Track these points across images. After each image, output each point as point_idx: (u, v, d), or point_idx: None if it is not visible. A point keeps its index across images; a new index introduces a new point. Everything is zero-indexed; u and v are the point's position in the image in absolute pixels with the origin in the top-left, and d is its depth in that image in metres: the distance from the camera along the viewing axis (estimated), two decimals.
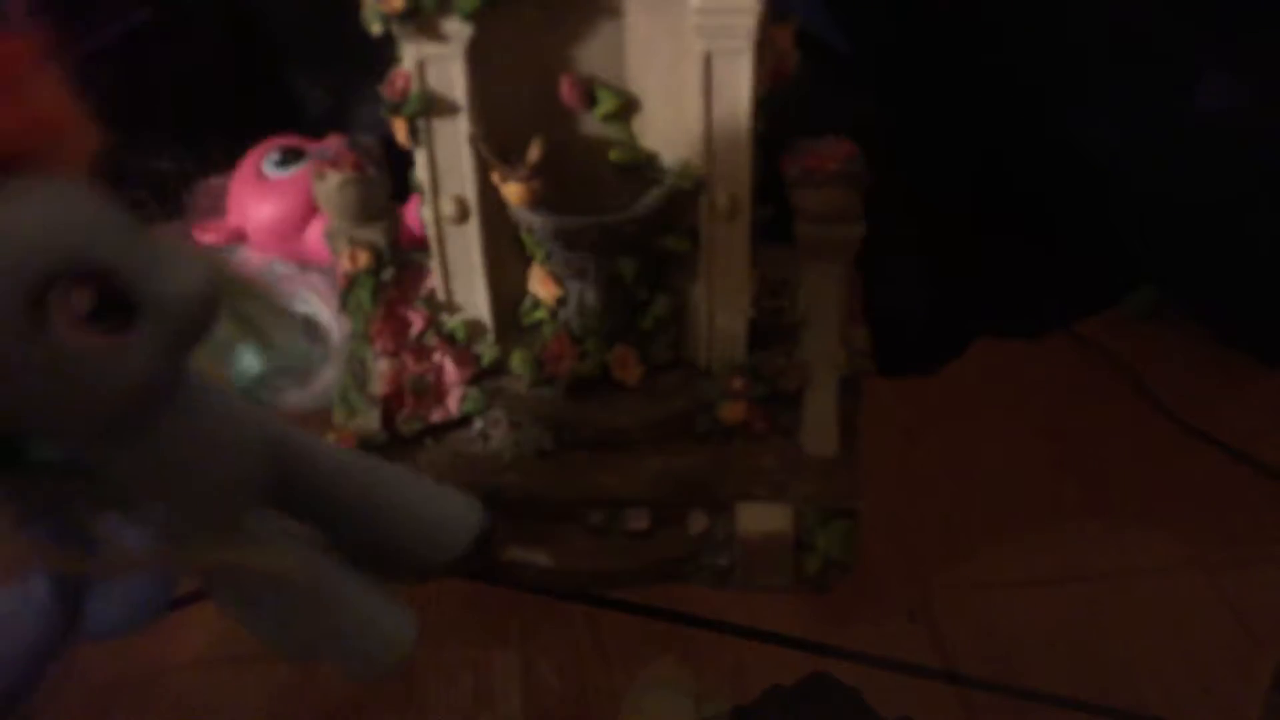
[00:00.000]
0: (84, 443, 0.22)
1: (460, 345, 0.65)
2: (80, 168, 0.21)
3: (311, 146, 0.76)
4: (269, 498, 0.26)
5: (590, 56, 0.59)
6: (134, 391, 0.21)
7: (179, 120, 0.79)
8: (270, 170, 0.76)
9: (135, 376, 0.21)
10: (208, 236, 0.75)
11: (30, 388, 0.20)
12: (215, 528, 0.24)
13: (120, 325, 0.20)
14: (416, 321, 0.65)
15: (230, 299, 0.24)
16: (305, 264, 0.75)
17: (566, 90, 0.59)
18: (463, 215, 0.61)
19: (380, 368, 0.65)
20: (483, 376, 0.65)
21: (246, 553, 0.25)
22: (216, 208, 0.77)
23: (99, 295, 0.20)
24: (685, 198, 0.60)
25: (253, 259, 0.75)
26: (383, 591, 0.29)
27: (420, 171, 0.61)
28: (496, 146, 0.58)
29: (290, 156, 0.76)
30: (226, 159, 0.78)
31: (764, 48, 0.56)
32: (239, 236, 0.76)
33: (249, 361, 0.69)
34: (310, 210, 0.75)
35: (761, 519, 0.60)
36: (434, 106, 0.58)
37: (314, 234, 0.75)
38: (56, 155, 0.20)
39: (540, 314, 0.65)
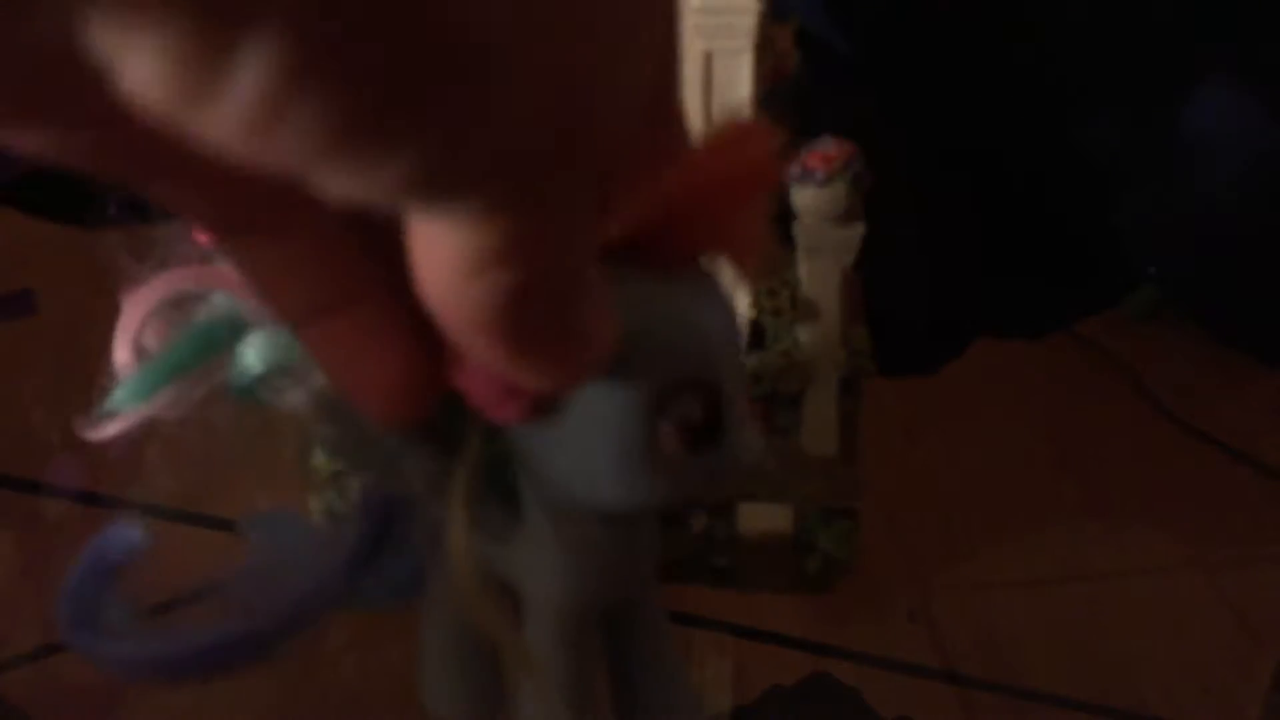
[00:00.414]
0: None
1: None
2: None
3: None
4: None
5: None
6: (671, 498, 0.22)
7: None
8: None
9: (686, 490, 0.22)
10: (207, 236, 0.75)
11: (620, 464, 0.21)
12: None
13: (701, 446, 0.21)
14: None
15: None
16: None
17: None
18: None
19: None
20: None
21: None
22: None
23: (703, 414, 0.21)
24: None
25: None
26: None
27: None
28: None
29: None
30: None
31: (763, 47, 0.56)
32: None
33: (250, 361, 0.69)
34: None
35: (762, 519, 0.60)
36: None
37: None
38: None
39: None
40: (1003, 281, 0.76)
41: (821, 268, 0.60)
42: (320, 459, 0.60)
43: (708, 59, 0.55)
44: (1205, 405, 0.72)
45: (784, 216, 0.59)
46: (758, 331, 0.64)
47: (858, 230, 0.58)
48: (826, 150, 0.57)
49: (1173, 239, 0.72)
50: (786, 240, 0.59)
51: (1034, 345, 0.77)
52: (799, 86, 0.61)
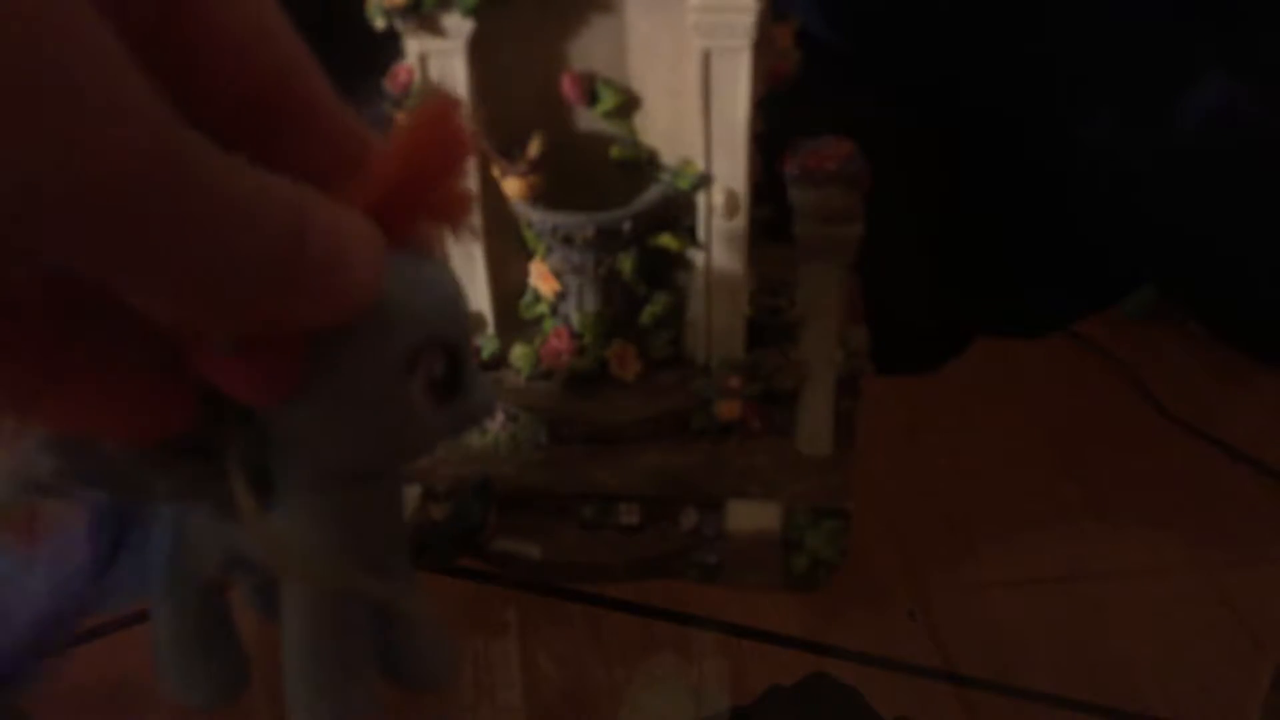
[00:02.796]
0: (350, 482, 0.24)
1: None
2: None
3: None
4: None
5: (591, 53, 0.59)
6: (419, 451, 0.24)
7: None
8: None
9: (429, 441, 0.24)
10: None
11: (376, 423, 0.22)
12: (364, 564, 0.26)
13: (443, 399, 0.23)
14: None
15: None
16: None
17: (568, 86, 0.59)
18: None
19: None
20: (482, 369, 0.65)
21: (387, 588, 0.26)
22: None
23: (445, 371, 0.23)
24: (684, 196, 0.60)
25: None
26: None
27: None
28: (497, 141, 0.58)
29: None
30: None
31: (763, 46, 0.56)
32: None
33: None
34: None
35: (750, 517, 0.60)
36: None
37: None
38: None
39: (541, 309, 0.65)
40: (1002, 281, 0.76)
41: (820, 267, 0.60)
42: None
43: (707, 57, 0.55)
44: (1205, 405, 0.72)
45: (783, 216, 0.59)
46: (756, 330, 0.64)
47: (856, 230, 0.58)
48: (826, 149, 0.57)
49: (1172, 237, 0.72)
50: (786, 239, 0.59)
51: (1033, 345, 0.77)
52: (799, 85, 0.61)
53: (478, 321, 0.65)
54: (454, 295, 0.23)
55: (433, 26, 0.56)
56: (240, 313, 0.17)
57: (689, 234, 0.61)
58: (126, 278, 0.16)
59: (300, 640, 0.26)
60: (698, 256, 0.62)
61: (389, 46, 0.59)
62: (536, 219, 0.59)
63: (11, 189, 0.14)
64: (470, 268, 0.64)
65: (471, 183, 0.22)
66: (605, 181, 0.60)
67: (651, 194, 0.59)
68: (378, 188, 0.20)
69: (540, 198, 0.59)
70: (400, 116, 0.21)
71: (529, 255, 0.64)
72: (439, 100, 0.21)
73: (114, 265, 0.15)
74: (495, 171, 0.58)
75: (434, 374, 0.23)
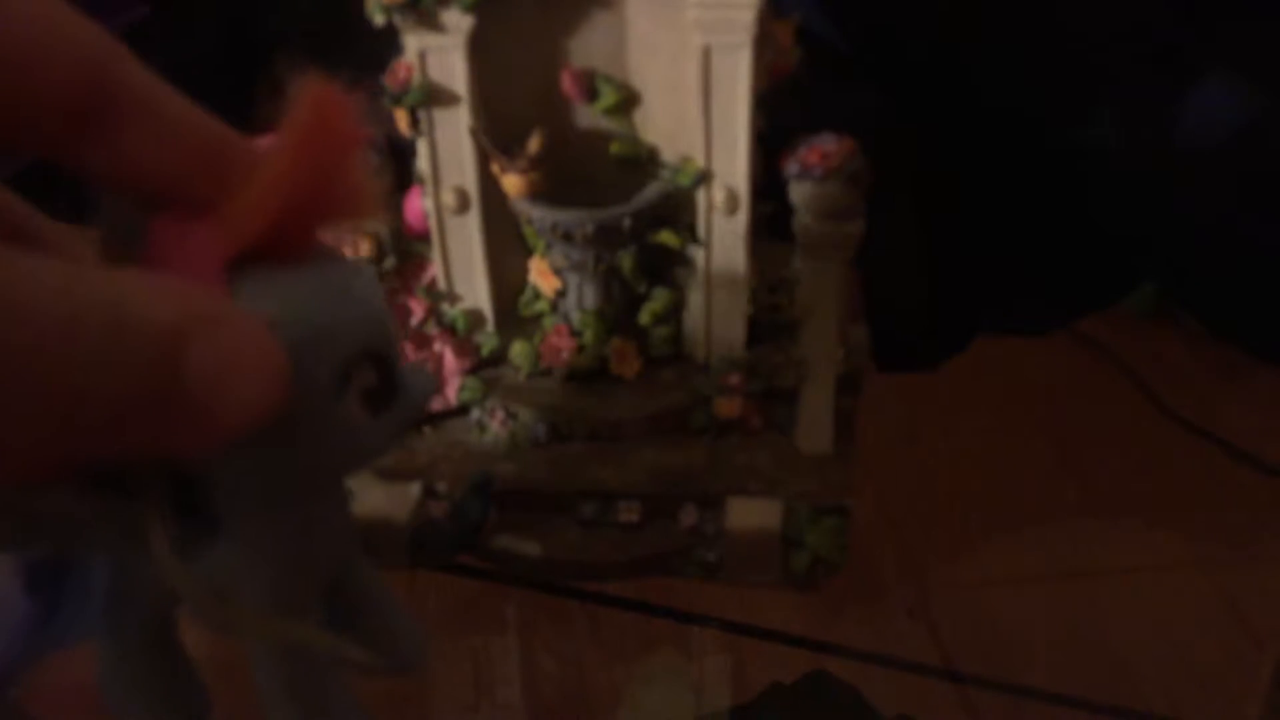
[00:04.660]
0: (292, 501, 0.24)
1: (460, 335, 0.65)
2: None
3: None
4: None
5: (591, 49, 0.59)
6: (364, 463, 0.24)
7: None
8: None
9: (371, 454, 0.23)
10: None
11: (316, 450, 0.22)
12: (292, 603, 0.25)
13: (380, 408, 0.22)
14: (417, 311, 0.65)
15: None
16: None
17: (568, 83, 0.59)
18: (463, 206, 0.61)
19: None
20: (481, 366, 0.65)
21: (312, 633, 0.26)
22: None
23: (377, 381, 0.22)
24: (684, 193, 0.59)
25: None
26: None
27: (421, 162, 0.61)
28: (497, 138, 0.58)
29: None
30: None
31: (763, 43, 0.56)
32: None
33: None
34: None
35: (750, 514, 0.60)
36: (435, 97, 0.58)
37: None
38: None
39: (540, 305, 0.65)
40: (1002, 278, 0.76)
41: (820, 264, 0.60)
42: None
43: (706, 54, 0.55)
44: (1206, 403, 0.72)
45: (783, 213, 0.59)
46: (756, 327, 0.64)
47: (857, 227, 0.58)
48: (826, 146, 0.57)
49: (1174, 236, 0.71)
50: (786, 236, 0.59)
51: (1034, 342, 0.77)
52: (799, 82, 0.61)
53: (477, 319, 0.65)
54: (375, 302, 0.22)
55: (432, 23, 0.56)
56: (108, 445, 0.15)
57: (689, 231, 0.61)
58: None
59: (276, 681, 0.25)
60: (698, 254, 0.62)
61: (388, 43, 0.59)
62: (536, 216, 0.59)
63: None
64: (469, 265, 0.64)
65: (366, 173, 0.21)
66: (605, 178, 0.60)
67: (651, 191, 0.59)
68: (273, 196, 0.19)
69: (540, 195, 0.59)
70: (284, 116, 0.20)
71: (528, 252, 0.64)
72: (317, 90, 0.20)
73: None
74: (495, 168, 0.58)
75: (367, 385, 0.22)
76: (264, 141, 0.20)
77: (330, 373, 0.21)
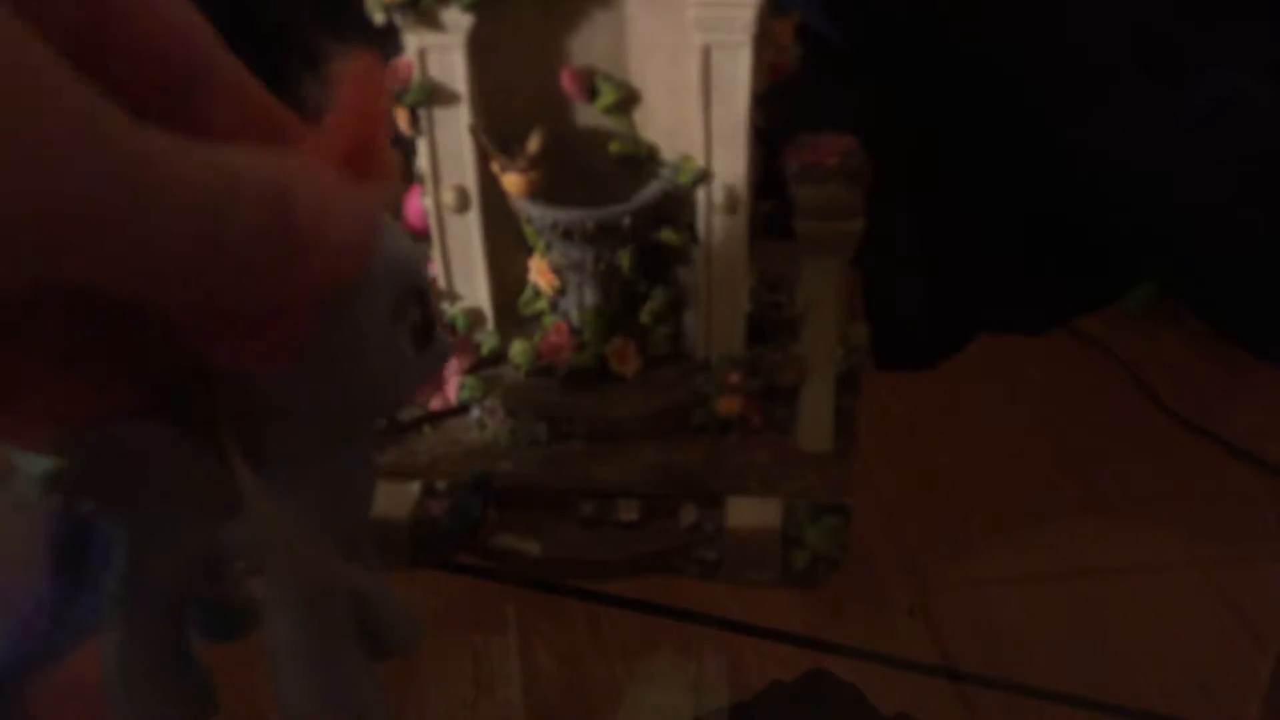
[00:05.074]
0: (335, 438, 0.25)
1: (460, 334, 0.65)
2: None
3: None
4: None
5: (591, 48, 0.59)
6: (404, 400, 0.25)
7: None
8: None
9: (412, 390, 0.25)
10: None
11: (369, 385, 0.23)
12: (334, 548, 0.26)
13: (422, 346, 0.24)
14: None
15: None
16: None
17: (568, 82, 0.59)
18: (463, 205, 0.61)
19: None
20: (481, 365, 0.65)
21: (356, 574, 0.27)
22: None
23: (422, 318, 0.24)
24: (684, 191, 0.59)
25: None
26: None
27: (421, 160, 0.61)
28: (497, 137, 0.58)
29: None
30: None
31: (763, 42, 0.56)
32: None
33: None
34: None
35: (750, 513, 0.60)
36: (435, 96, 0.58)
37: None
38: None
39: (540, 304, 0.65)
40: (1002, 277, 0.76)
41: (821, 263, 0.59)
42: None
43: (707, 53, 0.55)
44: (1205, 401, 0.72)
45: (784, 211, 0.59)
46: (756, 326, 0.64)
47: (857, 225, 0.58)
48: (826, 145, 0.57)
49: (1173, 234, 0.71)
50: (786, 235, 0.59)
51: (1034, 341, 0.77)
52: (799, 81, 0.61)
53: (477, 317, 0.65)
54: (409, 242, 0.24)
55: (432, 22, 0.56)
56: (236, 292, 0.17)
57: (689, 230, 0.61)
58: (116, 282, 0.16)
59: (293, 639, 0.26)
60: (698, 252, 0.62)
61: (388, 42, 0.58)
62: (536, 215, 0.59)
63: None
64: (469, 264, 0.64)
65: (390, 138, 0.23)
66: (605, 177, 0.60)
67: (651, 189, 0.59)
68: (331, 155, 0.20)
69: (540, 193, 0.59)
70: (336, 83, 0.22)
71: (528, 251, 0.64)
72: (361, 61, 0.22)
73: (101, 273, 0.16)
74: (495, 167, 0.58)
75: (414, 320, 0.23)
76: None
77: (390, 301, 0.22)
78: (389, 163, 0.22)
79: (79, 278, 0.16)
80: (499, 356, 0.65)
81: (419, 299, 0.23)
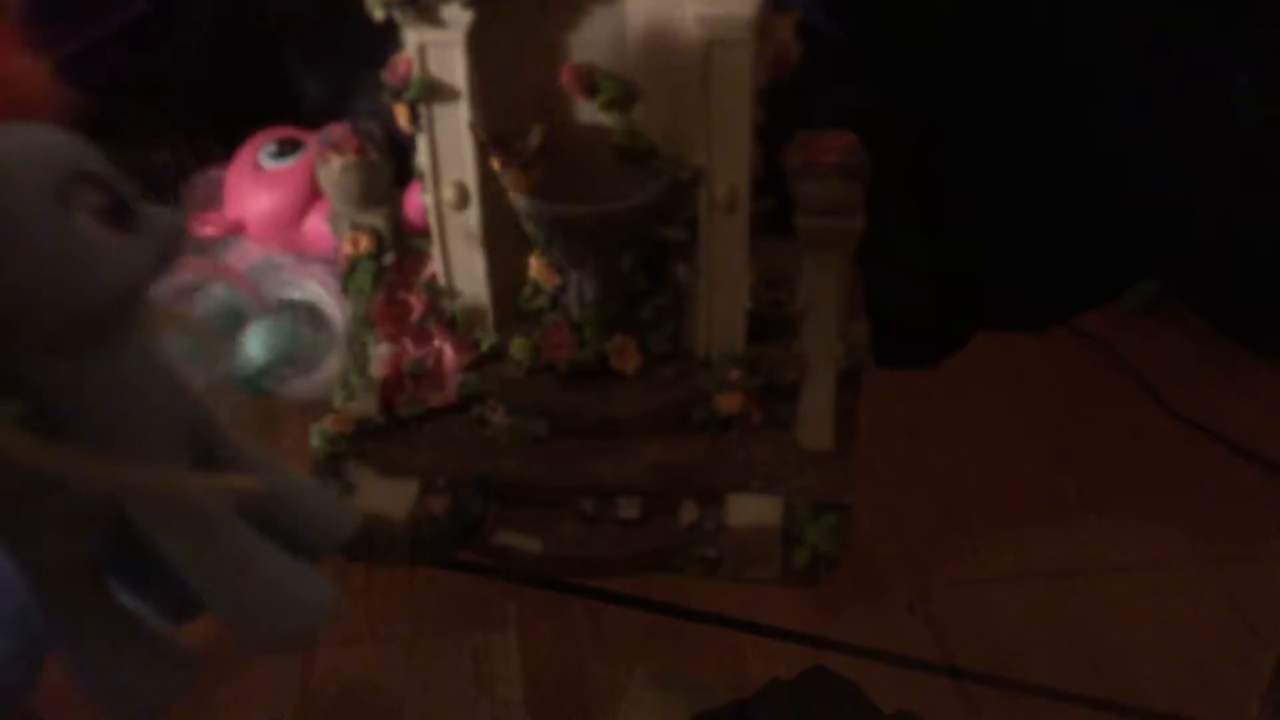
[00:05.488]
0: (65, 347, 0.25)
1: (460, 331, 0.65)
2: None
3: (308, 137, 0.76)
4: (188, 463, 0.27)
5: (591, 44, 0.58)
6: (129, 287, 0.25)
7: (176, 112, 0.79)
8: (266, 162, 0.76)
9: (133, 273, 0.24)
10: (206, 228, 0.75)
11: (53, 272, 0.23)
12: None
13: (121, 227, 0.24)
14: (417, 306, 0.65)
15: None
16: (303, 255, 0.75)
17: (568, 78, 0.59)
18: (463, 201, 0.61)
19: (380, 351, 0.65)
20: (482, 362, 0.65)
21: (179, 478, 0.26)
22: (214, 199, 0.77)
23: (107, 201, 0.24)
24: (684, 188, 0.59)
25: (251, 250, 0.75)
26: (303, 561, 0.30)
27: (421, 157, 0.61)
28: (496, 133, 0.58)
29: (287, 148, 0.76)
30: (223, 151, 0.78)
31: (764, 38, 0.56)
32: (237, 228, 0.76)
33: (254, 351, 0.69)
34: (307, 201, 0.75)
35: (751, 511, 0.60)
36: (435, 92, 0.58)
37: (312, 225, 0.74)
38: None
39: (541, 301, 0.65)
40: (1003, 275, 0.76)
41: (821, 260, 0.59)
42: None
43: (707, 49, 0.55)
44: (1206, 400, 0.72)
45: (784, 209, 0.59)
46: (757, 323, 0.64)
47: (857, 223, 0.58)
48: (827, 142, 0.57)
49: (1174, 231, 0.71)
50: (787, 232, 0.59)
51: (1034, 339, 0.77)
52: (800, 78, 0.61)
53: (477, 314, 0.65)
54: (69, 135, 0.24)
55: (432, 18, 0.56)
56: None
57: (689, 227, 0.61)
58: None
59: (184, 558, 0.26)
60: (698, 250, 0.61)
61: (388, 38, 0.58)
62: (536, 211, 0.59)
63: None
64: (470, 260, 0.64)
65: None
66: (605, 174, 0.60)
67: (652, 187, 0.59)
68: None
69: (540, 190, 0.58)
70: None
71: (529, 248, 0.64)
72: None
73: None
74: (495, 164, 0.58)
75: (95, 204, 0.23)
76: None
77: (49, 190, 0.22)
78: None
79: None
80: (499, 353, 0.65)
81: (92, 182, 0.23)
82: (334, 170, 0.62)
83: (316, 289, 0.71)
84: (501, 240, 0.63)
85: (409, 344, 0.65)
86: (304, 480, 0.30)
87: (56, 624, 0.29)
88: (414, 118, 0.59)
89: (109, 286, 0.24)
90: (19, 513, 0.26)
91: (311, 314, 0.72)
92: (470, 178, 0.61)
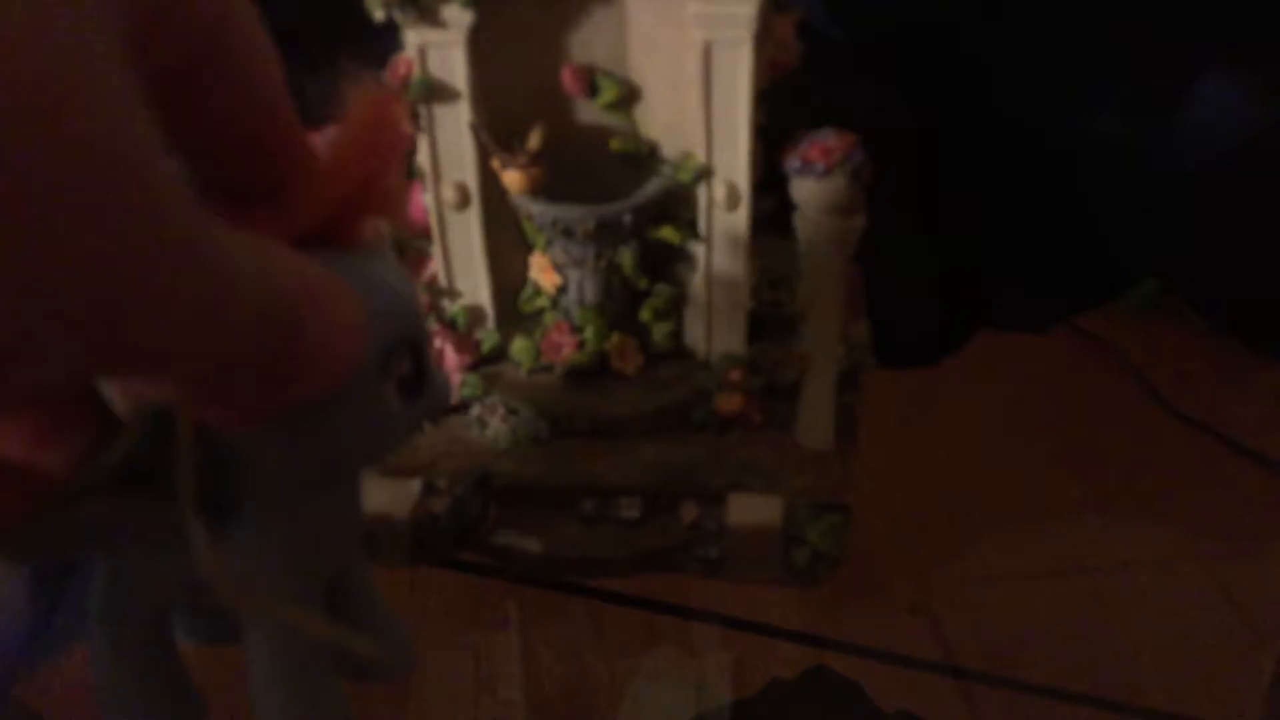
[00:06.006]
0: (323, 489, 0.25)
1: (460, 331, 0.65)
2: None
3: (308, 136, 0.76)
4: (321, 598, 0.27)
5: (592, 45, 0.58)
6: (390, 451, 0.24)
7: None
8: None
9: (399, 441, 0.24)
10: None
11: (355, 431, 0.23)
12: (306, 587, 0.26)
13: (412, 397, 0.24)
14: None
15: None
16: None
17: (568, 79, 0.59)
18: (464, 202, 0.61)
19: None
20: (482, 363, 0.65)
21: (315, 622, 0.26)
22: None
23: (413, 371, 0.23)
24: (685, 188, 0.59)
25: None
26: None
27: (422, 157, 0.61)
28: (497, 134, 0.58)
29: None
30: None
31: (764, 38, 0.56)
32: None
33: None
34: None
35: (751, 511, 0.60)
36: (435, 93, 0.58)
37: None
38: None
39: (541, 302, 0.65)
40: (1004, 274, 0.76)
41: (822, 260, 0.59)
42: None
43: (708, 50, 0.55)
44: (1207, 398, 0.72)
45: (785, 208, 0.59)
46: (757, 323, 0.64)
47: (858, 222, 0.58)
48: (827, 142, 0.57)
49: (1175, 230, 0.71)
50: (787, 232, 0.59)
51: (1035, 338, 0.77)
52: (800, 78, 0.61)
53: (478, 315, 0.65)
54: (413, 293, 0.24)
55: (432, 18, 0.56)
56: (225, 392, 0.17)
57: (690, 227, 0.61)
58: (125, 366, 0.15)
59: (265, 669, 0.25)
60: (698, 249, 0.61)
61: (388, 38, 0.58)
62: (537, 212, 0.59)
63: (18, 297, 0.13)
64: (470, 261, 0.64)
65: (403, 174, 0.23)
66: (606, 174, 0.60)
67: (652, 187, 0.59)
68: (333, 187, 0.20)
69: (540, 190, 0.59)
70: (342, 117, 0.21)
71: (529, 248, 0.64)
72: (374, 91, 0.21)
73: (117, 356, 0.15)
74: (495, 164, 0.58)
75: (403, 373, 0.23)
76: (317, 136, 0.21)
77: (376, 355, 0.22)
78: (397, 200, 0.21)
79: (110, 364, 0.15)
80: (500, 354, 0.65)
81: (411, 350, 0.23)
82: None
83: None
84: (502, 241, 0.63)
85: None
86: (389, 607, 0.30)
87: (107, 667, 0.29)
88: (414, 118, 0.59)
89: (375, 451, 0.24)
90: (137, 591, 0.26)
91: None
92: (471, 178, 0.61)
